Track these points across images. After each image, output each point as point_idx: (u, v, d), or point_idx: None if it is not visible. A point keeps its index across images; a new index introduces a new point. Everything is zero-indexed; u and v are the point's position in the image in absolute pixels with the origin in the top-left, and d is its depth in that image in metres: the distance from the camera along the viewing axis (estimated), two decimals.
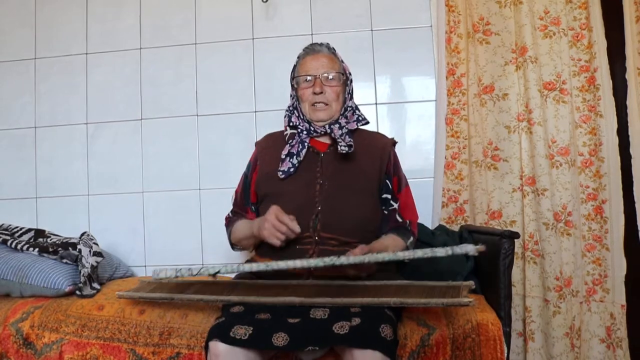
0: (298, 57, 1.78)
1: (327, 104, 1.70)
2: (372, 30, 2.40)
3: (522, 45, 2.20)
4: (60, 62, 2.54)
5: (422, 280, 1.54)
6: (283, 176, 1.65)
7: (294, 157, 1.67)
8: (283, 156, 1.68)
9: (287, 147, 1.70)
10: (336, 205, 1.61)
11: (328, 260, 1.36)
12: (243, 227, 1.70)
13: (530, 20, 2.20)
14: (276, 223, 1.49)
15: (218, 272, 1.44)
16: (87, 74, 2.52)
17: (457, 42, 2.27)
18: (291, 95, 1.80)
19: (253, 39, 2.45)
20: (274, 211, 1.51)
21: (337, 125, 1.70)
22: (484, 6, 2.29)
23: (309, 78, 1.71)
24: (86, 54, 2.53)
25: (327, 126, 1.70)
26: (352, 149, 1.62)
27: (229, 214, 1.83)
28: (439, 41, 2.30)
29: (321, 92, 1.68)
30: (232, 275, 1.62)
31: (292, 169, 1.66)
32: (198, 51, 2.48)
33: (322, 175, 1.65)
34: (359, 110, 1.79)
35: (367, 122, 1.78)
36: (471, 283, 1.48)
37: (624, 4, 2.16)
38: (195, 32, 2.48)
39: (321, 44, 1.77)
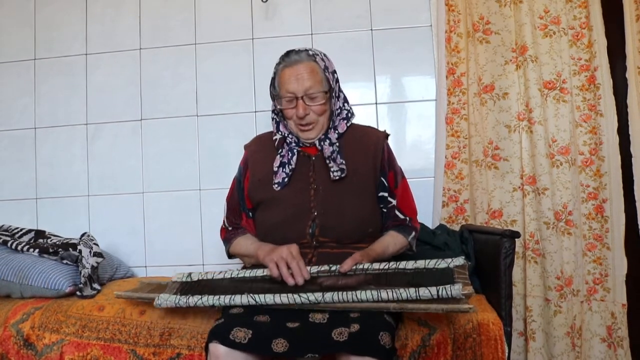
0: (275, 69, 1.66)
1: (314, 123, 1.62)
2: (371, 30, 2.40)
3: (522, 44, 2.20)
4: (60, 63, 2.53)
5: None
6: (279, 188, 1.61)
7: (286, 166, 1.63)
8: (275, 168, 1.63)
9: (278, 158, 1.65)
10: (332, 208, 1.58)
11: (313, 299, 1.33)
12: (247, 246, 1.64)
13: (530, 19, 2.20)
14: (290, 260, 1.42)
15: (213, 305, 1.43)
16: (87, 74, 2.52)
17: (457, 41, 2.27)
18: (273, 99, 1.71)
19: (253, 39, 2.45)
20: (295, 248, 1.46)
21: (327, 142, 1.64)
22: (483, 5, 2.29)
23: (290, 98, 1.60)
24: (86, 54, 2.53)
25: (317, 142, 1.64)
26: (344, 173, 1.58)
27: (224, 225, 1.76)
28: (438, 40, 2.30)
29: (306, 114, 1.59)
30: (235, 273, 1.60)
31: (286, 179, 1.62)
32: (198, 51, 2.47)
33: (315, 180, 1.62)
34: (348, 104, 1.72)
35: (354, 116, 1.71)
36: (464, 263, 1.46)
37: (624, 3, 2.15)
38: (194, 33, 2.48)
39: (299, 51, 1.63)
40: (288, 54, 1.64)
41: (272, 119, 1.72)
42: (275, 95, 1.67)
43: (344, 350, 1.23)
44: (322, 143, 1.64)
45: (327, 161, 1.61)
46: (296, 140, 1.67)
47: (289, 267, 1.42)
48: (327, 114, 1.65)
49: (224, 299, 1.40)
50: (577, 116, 2.21)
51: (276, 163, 1.64)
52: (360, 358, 1.21)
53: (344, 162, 1.60)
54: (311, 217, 1.58)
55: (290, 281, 1.40)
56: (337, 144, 1.65)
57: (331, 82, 1.64)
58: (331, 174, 1.58)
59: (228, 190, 1.81)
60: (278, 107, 1.67)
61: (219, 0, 2.48)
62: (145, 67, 2.49)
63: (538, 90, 2.18)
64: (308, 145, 1.67)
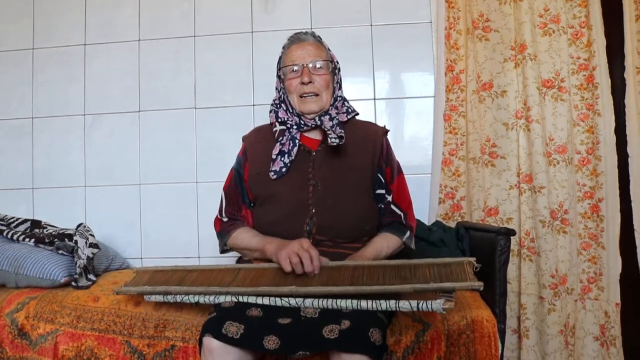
0: (283, 48, 1.69)
1: (317, 94, 1.62)
2: (371, 25, 2.40)
3: (521, 42, 2.20)
4: (58, 53, 2.53)
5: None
6: (275, 177, 1.59)
7: (285, 155, 1.60)
8: (274, 156, 1.61)
9: (278, 145, 1.62)
10: (330, 206, 1.57)
11: (307, 302, 1.35)
12: (249, 239, 1.60)
13: (530, 18, 2.20)
14: (303, 253, 1.39)
15: (197, 302, 1.45)
16: (86, 65, 2.51)
17: (457, 38, 2.27)
18: (277, 89, 1.71)
19: (252, 32, 2.45)
20: (307, 242, 1.43)
21: (327, 117, 1.62)
22: (483, 3, 2.28)
23: (295, 68, 1.62)
24: (84, 44, 2.52)
25: (317, 118, 1.62)
26: (342, 140, 1.54)
27: (219, 217, 1.71)
28: (438, 37, 2.30)
29: (310, 82, 1.60)
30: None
31: (284, 169, 1.59)
32: (197, 44, 2.47)
33: (314, 176, 1.60)
34: (348, 102, 1.72)
35: (357, 114, 1.72)
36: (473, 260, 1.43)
37: (623, 3, 2.15)
38: (194, 25, 2.47)
39: (306, 33, 1.68)
40: (295, 34, 1.70)
41: (271, 110, 1.69)
42: (280, 75, 1.68)
43: (334, 348, 1.23)
44: (322, 118, 1.62)
45: (327, 131, 1.57)
46: (297, 123, 1.64)
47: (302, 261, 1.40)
48: (330, 91, 1.65)
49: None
50: (575, 115, 2.21)
51: (275, 150, 1.61)
52: (350, 355, 1.21)
53: (343, 132, 1.57)
54: (309, 214, 1.56)
55: (300, 271, 1.38)
56: (338, 119, 1.63)
57: (335, 62, 1.68)
58: (329, 139, 1.54)
59: (224, 182, 1.77)
60: (281, 84, 1.67)
61: None
62: (144, 59, 2.49)
63: (536, 89, 2.18)
64: (309, 126, 1.63)
